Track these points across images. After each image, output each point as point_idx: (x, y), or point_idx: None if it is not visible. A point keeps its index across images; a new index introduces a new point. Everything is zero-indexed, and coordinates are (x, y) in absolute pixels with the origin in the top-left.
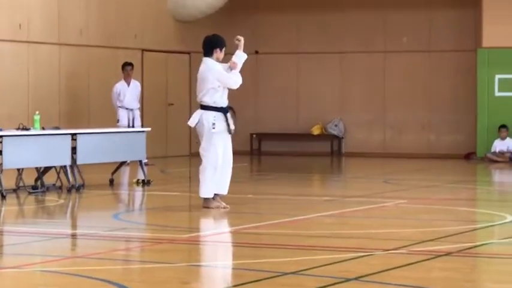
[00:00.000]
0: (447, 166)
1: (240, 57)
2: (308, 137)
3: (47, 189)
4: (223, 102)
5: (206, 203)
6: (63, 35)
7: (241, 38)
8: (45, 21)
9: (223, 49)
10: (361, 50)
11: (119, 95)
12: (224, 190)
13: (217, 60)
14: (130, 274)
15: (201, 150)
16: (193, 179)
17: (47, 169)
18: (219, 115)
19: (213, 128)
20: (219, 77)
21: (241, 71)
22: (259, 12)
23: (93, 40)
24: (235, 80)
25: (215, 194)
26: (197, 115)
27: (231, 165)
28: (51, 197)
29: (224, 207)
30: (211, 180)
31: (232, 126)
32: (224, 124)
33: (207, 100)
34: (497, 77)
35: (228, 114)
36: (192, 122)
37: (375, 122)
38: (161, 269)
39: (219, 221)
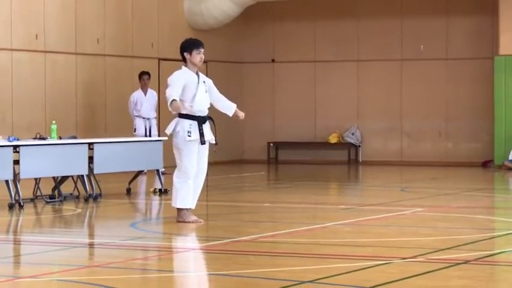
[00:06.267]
0: (464, 174)
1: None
2: (325, 145)
3: (64, 198)
4: (200, 111)
5: (181, 217)
6: (80, 45)
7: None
8: (62, 30)
9: (195, 50)
10: (378, 58)
11: (136, 104)
12: (193, 203)
13: (194, 63)
14: (148, 283)
15: (176, 159)
16: (211, 188)
17: (64, 178)
18: (195, 124)
19: (188, 136)
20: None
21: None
22: (275, 21)
23: (110, 49)
24: (167, 96)
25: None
26: (173, 123)
27: (204, 178)
28: (68, 206)
29: (200, 222)
30: (187, 190)
31: (207, 137)
32: (198, 134)
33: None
34: None
35: (206, 125)
36: (168, 130)
37: (392, 130)
38: (179, 278)
39: (236, 229)
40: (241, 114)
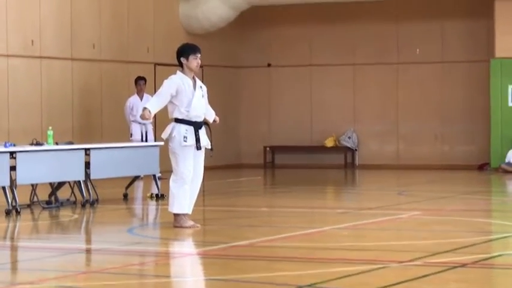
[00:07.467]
0: (461, 177)
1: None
2: (321, 149)
3: (61, 204)
4: (196, 117)
5: (178, 222)
6: (76, 50)
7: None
8: (58, 36)
9: (191, 55)
10: (374, 61)
11: (132, 109)
12: (189, 209)
13: (191, 68)
14: None
15: (173, 164)
16: (207, 193)
17: (60, 184)
18: (191, 129)
19: (184, 141)
20: None
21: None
22: (271, 25)
23: (106, 55)
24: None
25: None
26: (169, 128)
27: (200, 183)
28: (65, 212)
29: (197, 227)
30: (184, 195)
31: (203, 143)
32: (194, 139)
33: (177, 114)
34: (510, 87)
35: (202, 130)
36: (164, 135)
37: (389, 133)
38: (176, 283)
39: (233, 234)
40: (217, 119)
